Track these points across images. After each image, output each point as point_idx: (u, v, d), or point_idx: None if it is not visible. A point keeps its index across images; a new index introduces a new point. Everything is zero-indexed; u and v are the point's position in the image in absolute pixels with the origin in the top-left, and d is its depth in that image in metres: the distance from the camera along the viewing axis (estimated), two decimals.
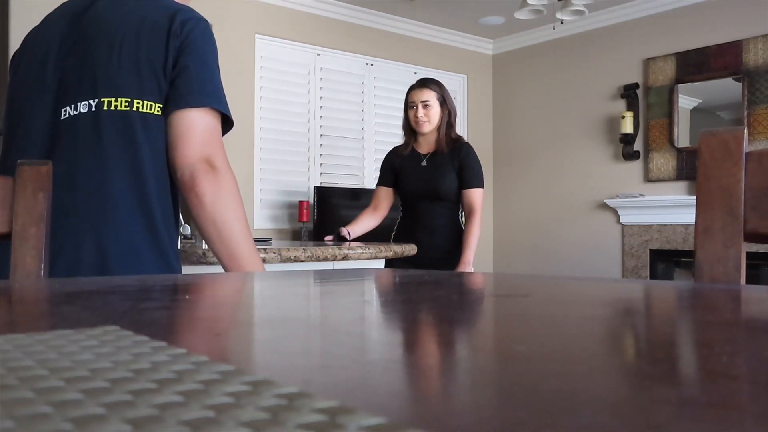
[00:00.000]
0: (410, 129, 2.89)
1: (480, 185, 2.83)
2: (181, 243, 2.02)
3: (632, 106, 5.02)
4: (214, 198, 1.16)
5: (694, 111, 4.79)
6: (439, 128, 2.85)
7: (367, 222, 2.95)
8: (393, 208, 3.01)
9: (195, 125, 1.18)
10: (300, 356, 0.32)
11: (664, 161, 4.81)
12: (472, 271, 2.72)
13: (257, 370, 0.28)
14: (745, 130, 0.79)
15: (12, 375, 0.24)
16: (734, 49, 4.49)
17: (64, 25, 1.27)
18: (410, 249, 2.37)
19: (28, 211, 0.96)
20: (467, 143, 2.90)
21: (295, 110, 4.86)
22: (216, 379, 0.24)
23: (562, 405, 0.22)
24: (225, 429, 0.18)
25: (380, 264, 2.33)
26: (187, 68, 1.19)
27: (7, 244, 0.98)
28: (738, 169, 0.77)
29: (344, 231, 2.83)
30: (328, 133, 5.02)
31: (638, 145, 4.99)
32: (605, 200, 5.09)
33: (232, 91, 3.79)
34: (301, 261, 1.87)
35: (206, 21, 1.27)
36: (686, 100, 4.78)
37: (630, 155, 4.99)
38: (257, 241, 2.32)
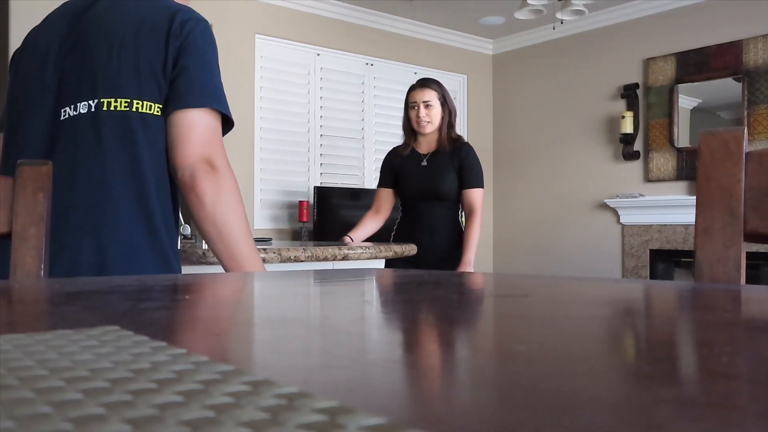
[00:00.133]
0: (410, 129, 2.89)
1: (480, 185, 2.83)
2: (181, 243, 2.02)
3: (632, 106, 5.02)
4: (215, 198, 1.16)
5: (694, 111, 4.79)
6: (440, 128, 2.85)
7: (369, 226, 2.95)
8: (394, 209, 3.01)
9: (195, 125, 1.18)
10: (300, 356, 0.32)
11: (664, 161, 4.81)
12: (473, 271, 2.72)
13: (257, 370, 0.28)
14: (745, 130, 0.79)
15: (12, 375, 0.24)
16: (734, 49, 4.49)
17: (64, 24, 1.27)
18: (410, 249, 2.37)
19: (28, 211, 0.96)
20: (467, 143, 2.90)
21: (295, 110, 4.86)
22: (216, 379, 0.24)
23: (562, 405, 0.22)
24: (225, 429, 0.18)
25: (380, 264, 2.33)
26: (187, 68, 1.19)
27: (7, 244, 0.98)
28: (738, 169, 0.77)
29: (347, 240, 2.83)
30: (328, 133, 5.02)
31: (638, 145, 4.99)
32: (605, 200, 5.10)
33: (232, 91, 3.80)
34: (301, 261, 1.87)
35: (206, 21, 1.27)
36: (686, 100, 4.79)
37: (630, 155, 4.99)
38: (257, 241, 2.32)
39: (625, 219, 5.02)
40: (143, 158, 1.17)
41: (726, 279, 0.76)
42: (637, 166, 5.00)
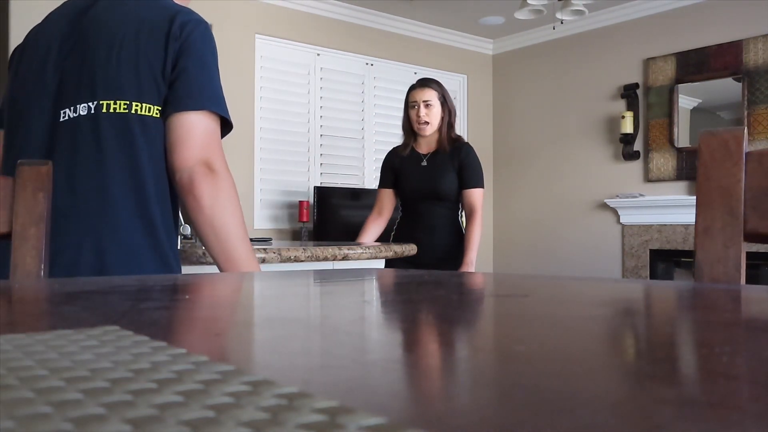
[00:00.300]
0: (410, 129, 2.89)
1: (480, 185, 2.83)
2: (181, 243, 2.02)
3: (632, 106, 5.02)
4: (213, 201, 1.16)
5: (694, 111, 4.79)
6: (439, 128, 2.85)
7: (374, 230, 2.96)
8: (395, 209, 3.01)
9: (194, 128, 1.18)
10: (300, 356, 0.32)
11: (664, 161, 4.81)
12: (474, 271, 2.72)
13: (257, 370, 0.28)
14: (745, 130, 0.79)
15: (12, 375, 0.24)
16: (734, 49, 4.49)
17: (64, 24, 1.27)
18: (410, 249, 2.37)
19: (28, 211, 0.96)
20: (467, 143, 2.90)
21: (295, 110, 4.86)
22: (216, 379, 0.24)
23: (562, 405, 0.22)
24: (225, 429, 0.18)
25: (380, 264, 2.33)
26: (187, 71, 1.19)
27: (7, 244, 0.98)
28: (738, 169, 0.77)
29: None
30: (328, 133, 5.02)
31: (638, 145, 4.99)
32: (605, 200, 5.10)
33: (232, 91, 3.80)
34: (301, 261, 1.87)
35: (206, 23, 1.26)
36: (686, 100, 4.79)
37: (630, 155, 4.99)
38: (257, 241, 2.32)
39: (625, 219, 5.02)
40: (142, 160, 1.17)
41: (726, 279, 0.76)
42: (637, 166, 5.00)
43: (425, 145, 2.89)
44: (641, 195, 4.89)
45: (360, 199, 4.89)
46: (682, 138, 4.75)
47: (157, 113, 1.19)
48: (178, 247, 1.41)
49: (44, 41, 1.27)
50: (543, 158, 5.62)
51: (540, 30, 5.56)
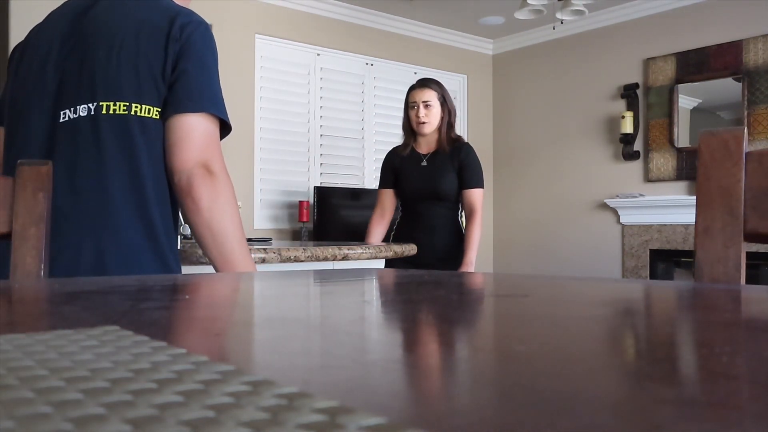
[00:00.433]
0: (410, 129, 2.89)
1: (480, 185, 2.83)
2: (181, 243, 2.02)
3: (632, 106, 5.02)
4: (211, 203, 1.16)
5: (694, 111, 4.79)
6: (439, 128, 2.85)
7: (379, 232, 2.96)
8: (395, 209, 3.01)
9: (193, 130, 1.18)
10: (300, 356, 0.32)
11: (664, 161, 4.81)
12: (473, 271, 2.72)
13: (257, 370, 0.28)
14: (745, 130, 0.79)
15: (12, 375, 0.24)
16: (734, 49, 4.49)
17: (65, 25, 1.27)
18: (410, 249, 2.37)
19: (28, 211, 0.96)
20: (467, 143, 2.90)
21: (295, 110, 4.86)
22: (216, 379, 0.24)
23: (562, 405, 0.22)
24: (225, 429, 0.18)
25: (380, 264, 2.33)
26: (186, 72, 1.19)
27: (7, 244, 0.98)
28: (738, 169, 0.77)
29: None
30: (328, 133, 5.02)
31: (638, 145, 4.99)
32: (605, 200, 5.10)
33: (231, 92, 3.80)
34: (301, 261, 1.87)
35: (206, 24, 1.26)
36: (686, 100, 4.79)
37: (630, 155, 4.99)
38: (257, 241, 2.32)
39: (625, 219, 5.02)
40: (142, 161, 1.17)
41: (726, 279, 0.76)
42: (637, 166, 5.00)
43: (425, 145, 2.89)
44: (641, 195, 4.89)
45: (360, 199, 4.89)
46: (682, 138, 4.75)
47: (156, 114, 1.19)
48: (178, 248, 1.41)
49: (45, 41, 1.27)
50: (543, 158, 5.62)
51: (540, 30, 5.56)
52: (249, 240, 2.03)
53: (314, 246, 2.04)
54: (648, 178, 4.91)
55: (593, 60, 5.30)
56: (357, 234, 4.45)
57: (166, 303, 0.56)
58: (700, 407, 0.22)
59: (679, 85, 4.76)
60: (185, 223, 2.11)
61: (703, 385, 0.26)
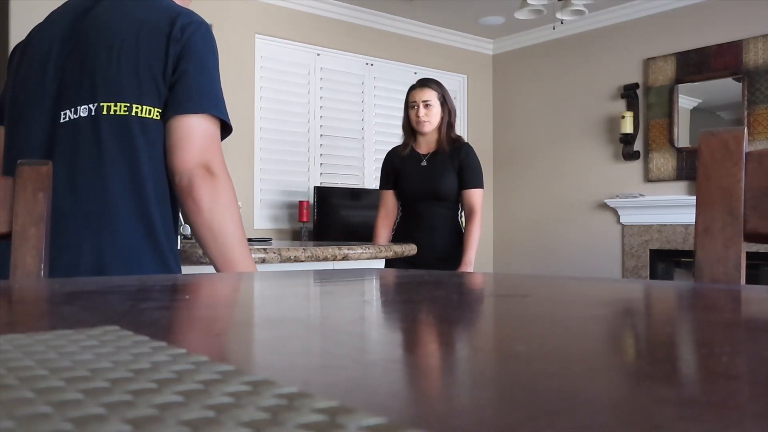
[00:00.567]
0: (410, 129, 2.89)
1: (480, 185, 2.83)
2: (181, 243, 2.02)
3: (632, 106, 5.02)
4: (212, 204, 1.16)
5: (694, 111, 4.79)
6: (439, 128, 2.85)
7: (386, 232, 2.95)
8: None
9: (194, 131, 1.18)
10: (300, 356, 0.32)
11: (664, 161, 4.81)
12: (473, 271, 2.72)
13: (257, 370, 0.28)
14: (745, 130, 0.79)
15: (12, 375, 0.24)
16: (734, 49, 4.49)
17: (65, 25, 1.26)
18: (410, 249, 2.37)
19: (28, 211, 0.96)
20: (467, 143, 2.90)
21: (295, 110, 4.86)
22: (216, 379, 0.24)
23: (562, 405, 0.22)
24: (225, 429, 0.18)
25: (380, 264, 2.33)
26: (187, 73, 1.19)
27: (7, 244, 0.98)
28: (738, 169, 0.77)
29: None
30: (328, 133, 5.02)
31: (638, 145, 4.99)
32: (605, 200, 5.10)
33: (232, 92, 3.80)
34: (301, 261, 1.87)
35: (207, 25, 1.26)
36: (686, 100, 4.79)
37: (630, 155, 4.99)
38: (257, 241, 2.32)
39: (625, 219, 5.02)
40: (142, 162, 1.17)
41: (726, 279, 0.76)
42: (637, 166, 5.00)
43: (425, 145, 2.89)
44: (641, 195, 4.89)
45: (360, 199, 4.89)
46: (682, 138, 4.75)
47: (157, 115, 1.19)
48: (178, 248, 1.41)
49: (45, 41, 1.27)
50: (543, 158, 5.62)
51: (540, 30, 5.56)
52: (249, 240, 2.03)
53: (314, 246, 2.04)
54: (648, 178, 4.91)
55: (593, 60, 5.30)
56: (357, 234, 4.45)
57: (166, 303, 0.56)
58: (700, 407, 0.22)
59: (679, 85, 4.76)
60: (186, 223, 2.11)
61: (703, 385, 0.26)
